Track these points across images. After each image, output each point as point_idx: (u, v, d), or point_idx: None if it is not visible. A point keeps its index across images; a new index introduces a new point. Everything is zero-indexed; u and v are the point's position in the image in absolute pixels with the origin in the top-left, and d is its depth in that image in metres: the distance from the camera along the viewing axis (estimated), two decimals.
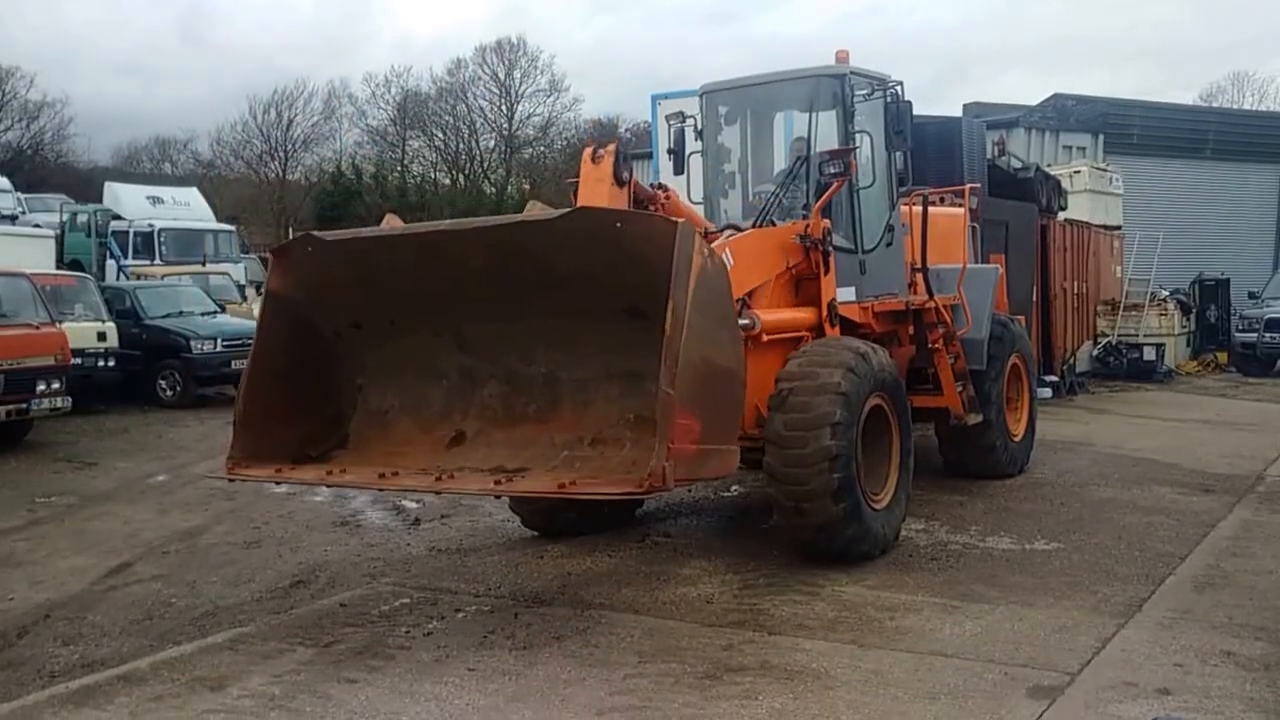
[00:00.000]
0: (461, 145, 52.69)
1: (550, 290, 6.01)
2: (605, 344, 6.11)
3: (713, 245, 6.35)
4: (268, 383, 6.42)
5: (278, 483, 6.32)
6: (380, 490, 6.30)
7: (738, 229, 8.29)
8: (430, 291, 6.32)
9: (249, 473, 6.36)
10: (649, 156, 21.91)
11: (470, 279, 6.13)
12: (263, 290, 6.61)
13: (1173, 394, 18.31)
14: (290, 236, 35.38)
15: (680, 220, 5.68)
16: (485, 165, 52.93)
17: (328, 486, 6.32)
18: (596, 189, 7.22)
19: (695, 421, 5.35)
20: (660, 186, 8.25)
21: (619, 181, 7.26)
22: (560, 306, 6.06)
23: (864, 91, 8.60)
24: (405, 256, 6.31)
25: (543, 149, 53.03)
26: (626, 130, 52.53)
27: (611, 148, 7.31)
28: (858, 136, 8.54)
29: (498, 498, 6.42)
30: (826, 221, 7.99)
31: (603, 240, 5.66)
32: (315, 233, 6.81)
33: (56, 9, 70.38)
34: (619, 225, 5.75)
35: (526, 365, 6.43)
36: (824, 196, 8.10)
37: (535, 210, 6.73)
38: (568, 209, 6.16)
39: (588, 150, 7.42)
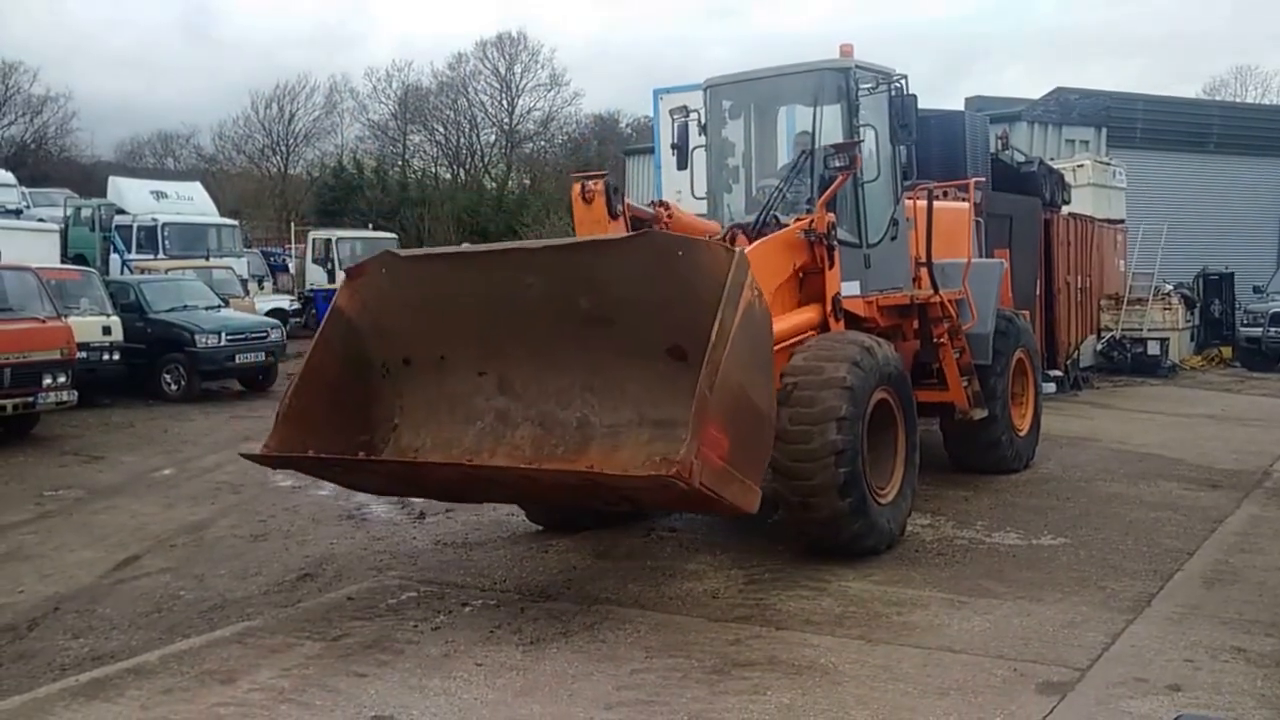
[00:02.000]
0: (462, 140, 52.62)
1: (600, 327, 6.18)
2: (642, 389, 6.25)
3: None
4: (313, 394, 6.64)
5: (310, 460, 6.47)
6: (408, 469, 6.52)
7: (740, 227, 8.29)
8: (485, 322, 6.52)
9: (282, 453, 6.52)
10: (651, 151, 21.89)
11: (527, 309, 6.33)
12: (331, 305, 6.92)
13: (1177, 389, 18.27)
14: (293, 230, 35.66)
15: (739, 249, 5.89)
16: (486, 160, 52.85)
17: (360, 467, 6.52)
18: (595, 231, 7.29)
19: (724, 439, 5.37)
20: (661, 203, 8.24)
21: (612, 215, 7.34)
22: (606, 345, 6.21)
23: (868, 85, 8.59)
24: (471, 275, 6.56)
25: (544, 144, 52.98)
26: (627, 125, 52.57)
27: (599, 186, 7.31)
28: (862, 130, 8.53)
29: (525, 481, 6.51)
30: (831, 216, 7.99)
31: (661, 268, 5.82)
32: (393, 250, 7.10)
33: (60, 3, 70.32)
34: (680, 254, 5.86)
35: (562, 410, 6.54)
36: (829, 191, 8.10)
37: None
38: (636, 231, 6.55)
39: (576, 189, 7.42)
